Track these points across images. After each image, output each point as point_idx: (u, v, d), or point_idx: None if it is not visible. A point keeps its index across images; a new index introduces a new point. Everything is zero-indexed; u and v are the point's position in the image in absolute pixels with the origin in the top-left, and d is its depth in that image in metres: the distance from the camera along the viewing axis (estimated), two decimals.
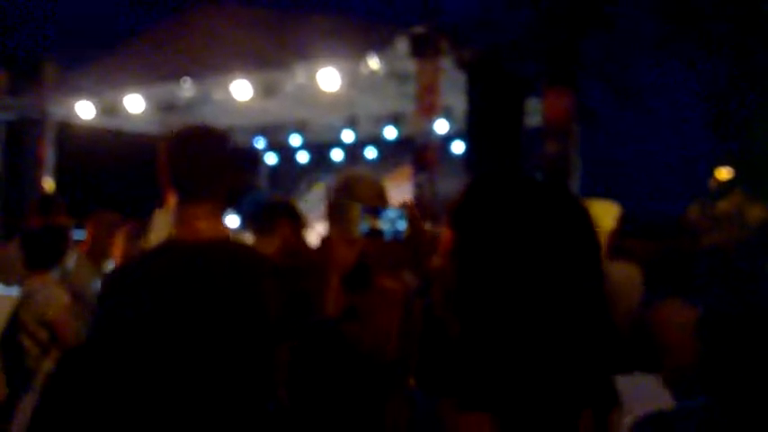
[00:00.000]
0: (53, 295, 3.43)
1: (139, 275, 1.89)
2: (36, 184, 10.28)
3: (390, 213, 1.71)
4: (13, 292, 3.64)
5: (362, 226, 1.70)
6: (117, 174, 14.98)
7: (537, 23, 7.69)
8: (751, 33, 9.20)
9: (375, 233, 1.71)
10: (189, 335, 1.83)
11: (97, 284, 3.99)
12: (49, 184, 10.32)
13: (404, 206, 1.72)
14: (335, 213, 2.41)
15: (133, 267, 1.99)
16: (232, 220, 7.36)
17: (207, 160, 1.99)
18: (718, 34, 9.26)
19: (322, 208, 9.34)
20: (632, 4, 9.08)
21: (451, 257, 1.21)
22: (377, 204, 1.78)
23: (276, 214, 3.36)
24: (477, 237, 1.18)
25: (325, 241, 2.45)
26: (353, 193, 2.33)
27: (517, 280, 1.11)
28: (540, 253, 1.12)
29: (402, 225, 1.70)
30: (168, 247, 2.00)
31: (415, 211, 1.73)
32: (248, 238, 3.81)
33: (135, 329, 1.82)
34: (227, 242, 2.01)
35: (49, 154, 10.38)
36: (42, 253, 3.58)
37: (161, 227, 3.38)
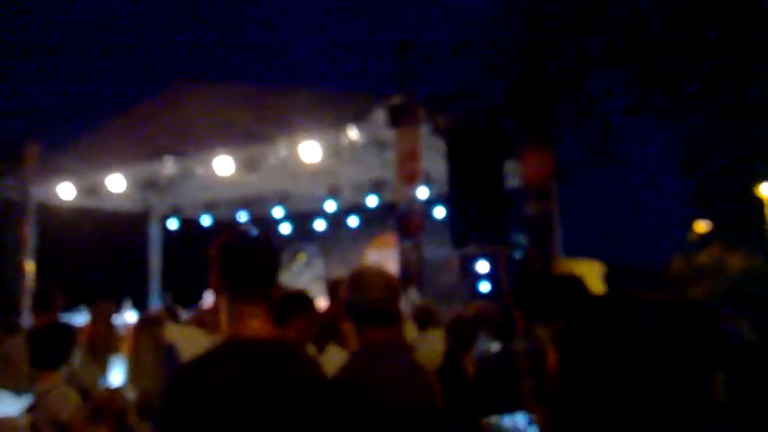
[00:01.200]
0: (66, 396, 3.27)
1: (213, 376, 1.89)
2: (18, 266, 10.18)
3: (518, 419, 1.68)
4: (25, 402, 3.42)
5: None
6: (97, 253, 14.89)
7: (512, 90, 7.88)
8: (723, 91, 9.48)
9: None
10: None
11: (104, 381, 3.88)
12: (30, 266, 10.23)
13: (531, 412, 1.71)
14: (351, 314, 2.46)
15: (202, 367, 1.95)
16: None
17: (263, 263, 2.07)
18: (689, 93, 9.54)
19: (304, 278, 9.24)
20: (604, 67, 9.36)
21: (557, 377, 1.28)
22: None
23: (290, 309, 3.44)
24: (577, 361, 1.26)
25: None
26: (365, 291, 2.40)
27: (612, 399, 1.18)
28: (630, 377, 1.19)
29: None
30: (232, 345, 2.01)
31: (544, 416, 1.71)
32: None
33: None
34: (282, 341, 2.09)
35: (30, 235, 10.32)
36: (51, 353, 3.42)
37: None
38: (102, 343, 4.26)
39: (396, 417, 2.26)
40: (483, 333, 4.62)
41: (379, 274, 2.50)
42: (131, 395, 3.53)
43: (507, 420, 1.75)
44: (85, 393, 3.45)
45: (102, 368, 4.14)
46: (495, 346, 4.21)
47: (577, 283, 2.96)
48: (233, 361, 1.93)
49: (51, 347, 3.44)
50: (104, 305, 4.60)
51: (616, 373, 1.23)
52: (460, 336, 4.25)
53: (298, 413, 1.89)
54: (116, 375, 3.73)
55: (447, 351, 4.20)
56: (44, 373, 3.37)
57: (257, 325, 1.99)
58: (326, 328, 3.81)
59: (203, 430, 1.81)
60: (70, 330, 3.62)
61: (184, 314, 6.36)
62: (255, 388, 1.87)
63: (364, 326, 2.41)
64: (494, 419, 1.77)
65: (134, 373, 3.62)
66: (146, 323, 3.99)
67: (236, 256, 2.07)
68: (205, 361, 1.96)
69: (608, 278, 4.19)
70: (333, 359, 3.51)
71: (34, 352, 3.41)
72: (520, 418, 1.72)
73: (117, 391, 3.65)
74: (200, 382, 1.87)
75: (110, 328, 4.59)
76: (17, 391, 3.68)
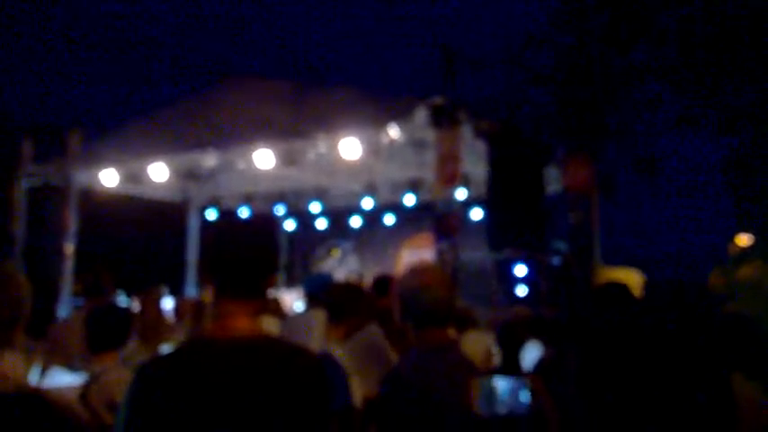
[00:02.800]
0: (122, 378, 3.17)
1: (178, 374, 1.78)
2: (58, 250, 10.37)
3: (510, 384, 1.64)
4: (80, 379, 3.39)
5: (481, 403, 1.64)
6: (136, 240, 15.11)
7: (557, 98, 7.80)
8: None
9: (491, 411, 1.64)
10: None
11: None
12: (69, 249, 10.41)
13: (528, 377, 1.66)
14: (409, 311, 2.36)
15: (168, 364, 1.84)
16: (296, 298, 7.30)
17: (250, 262, 1.93)
18: (735, 106, 9.34)
19: (338, 273, 9.25)
20: (651, 78, 9.21)
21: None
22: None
23: (347, 307, 3.46)
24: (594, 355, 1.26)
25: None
26: (425, 292, 2.31)
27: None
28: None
29: (525, 397, 1.62)
30: (202, 343, 1.91)
31: (540, 385, 1.65)
32: (319, 315, 3.85)
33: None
34: (264, 339, 1.93)
35: (71, 221, 10.50)
36: (109, 334, 3.39)
37: None
38: (153, 328, 4.28)
39: (456, 417, 2.16)
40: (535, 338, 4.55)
41: (438, 274, 2.42)
42: None
43: (500, 381, 1.66)
44: None
45: (154, 353, 4.16)
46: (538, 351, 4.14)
47: (625, 290, 2.92)
48: (201, 357, 1.82)
49: (110, 329, 3.41)
50: (154, 290, 4.63)
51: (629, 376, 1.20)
52: (515, 338, 4.19)
53: (257, 419, 1.77)
54: None
55: (503, 353, 4.14)
56: (99, 355, 3.34)
57: (241, 324, 1.87)
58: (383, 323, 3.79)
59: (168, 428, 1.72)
60: (128, 313, 3.62)
61: None
62: (224, 382, 1.77)
63: (423, 327, 2.33)
64: (485, 380, 1.69)
65: None
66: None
67: (223, 249, 1.92)
68: (173, 358, 1.87)
69: (647, 289, 4.13)
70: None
71: (92, 333, 3.37)
72: (513, 381, 1.64)
73: None
74: (164, 379, 1.77)
75: (160, 313, 4.63)
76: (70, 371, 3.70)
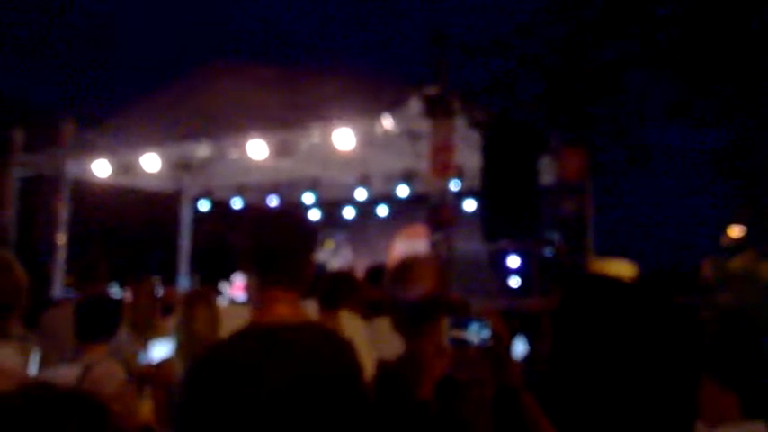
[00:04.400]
0: (111, 371, 3.20)
1: (235, 362, 1.80)
2: (50, 240, 10.33)
3: (476, 325, 1.82)
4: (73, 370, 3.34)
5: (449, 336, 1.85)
6: (128, 230, 15.07)
7: (550, 87, 7.79)
8: (763, 96, 9.30)
9: (461, 343, 1.84)
10: (296, 424, 1.78)
11: (144, 357, 3.87)
12: (61, 239, 10.38)
13: (488, 316, 1.82)
14: (397, 306, 2.31)
15: (223, 353, 1.86)
16: None
17: (295, 249, 1.96)
18: (728, 95, 9.37)
19: (331, 264, 9.24)
20: (644, 67, 9.22)
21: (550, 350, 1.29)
22: (436, 292, 1.99)
23: (341, 294, 3.47)
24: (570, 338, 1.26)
25: (415, 353, 2.25)
26: (410, 282, 2.27)
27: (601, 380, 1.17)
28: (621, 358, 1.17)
29: (486, 334, 1.82)
30: (256, 331, 1.91)
31: (499, 322, 1.81)
32: (311, 305, 3.84)
33: (235, 421, 1.73)
34: (311, 325, 1.99)
35: (63, 211, 10.46)
36: (98, 325, 3.35)
37: None
38: (145, 319, 4.26)
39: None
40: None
41: (430, 265, 2.39)
42: (180, 366, 3.50)
43: (464, 331, 1.84)
44: (128, 368, 3.43)
45: (144, 344, 4.15)
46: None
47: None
48: (256, 345, 1.85)
49: (99, 319, 3.38)
50: (147, 281, 4.61)
51: (607, 354, 1.21)
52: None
53: (319, 401, 1.83)
54: (159, 350, 3.70)
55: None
56: (88, 345, 3.32)
57: (286, 311, 1.91)
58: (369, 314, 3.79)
59: (231, 419, 1.74)
60: (118, 303, 3.59)
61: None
62: (281, 368, 1.81)
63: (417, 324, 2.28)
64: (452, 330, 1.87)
65: (186, 344, 3.59)
66: (200, 294, 3.95)
67: (268, 238, 1.96)
68: (228, 347, 1.89)
69: (639, 279, 4.14)
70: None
71: (81, 323, 3.34)
72: (473, 326, 1.81)
73: (167, 361, 3.59)
74: (220, 369, 1.80)
75: (152, 304, 4.61)
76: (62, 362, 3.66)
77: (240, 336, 1.92)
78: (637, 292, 1.25)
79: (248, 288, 2.00)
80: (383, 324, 3.50)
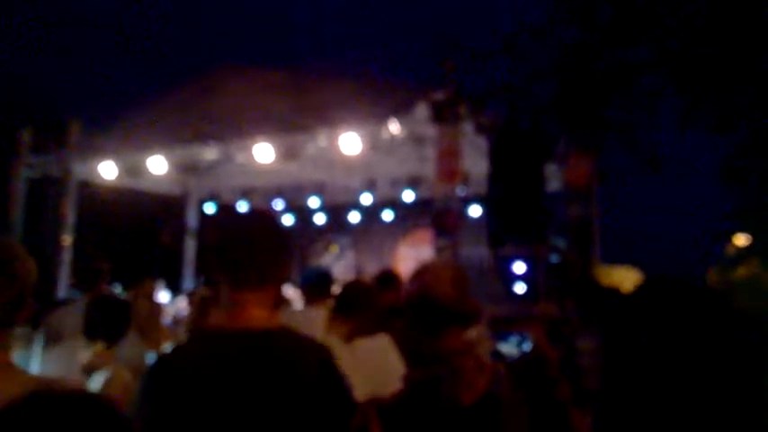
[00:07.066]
0: (116, 374, 3.16)
1: (196, 367, 1.74)
2: (56, 241, 10.36)
3: (515, 338, 1.78)
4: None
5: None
6: (134, 232, 15.10)
7: (559, 92, 7.77)
8: None
9: (500, 356, 1.75)
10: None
11: (150, 358, 3.83)
12: (67, 240, 10.40)
13: (531, 330, 1.77)
14: (419, 320, 2.22)
15: (184, 357, 1.80)
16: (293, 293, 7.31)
17: (266, 248, 1.88)
18: (738, 105, 9.33)
19: (336, 269, 9.16)
20: (654, 74, 9.19)
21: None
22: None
23: (355, 304, 3.49)
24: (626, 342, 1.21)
25: (457, 369, 2.13)
26: (433, 297, 2.20)
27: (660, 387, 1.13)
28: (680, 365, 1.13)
29: (527, 347, 1.76)
30: (220, 335, 1.85)
31: (542, 336, 1.75)
32: (320, 310, 3.83)
33: (191, 426, 1.68)
34: (280, 330, 1.89)
35: (69, 212, 10.49)
36: (107, 324, 3.32)
37: None
38: (147, 322, 4.25)
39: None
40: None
41: (452, 270, 2.32)
42: None
43: (503, 346, 1.79)
44: (135, 372, 3.41)
45: (147, 345, 4.14)
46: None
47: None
48: (217, 349, 1.78)
49: (109, 319, 3.36)
50: (148, 282, 4.60)
51: (665, 368, 1.16)
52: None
53: (281, 407, 1.75)
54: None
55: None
56: (96, 345, 3.28)
57: (256, 314, 1.82)
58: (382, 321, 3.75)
59: (185, 424, 1.68)
60: (127, 305, 3.57)
61: None
62: (240, 375, 1.74)
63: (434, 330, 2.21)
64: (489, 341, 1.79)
65: None
66: (213, 298, 3.94)
67: (236, 239, 1.87)
68: (189, 350, 1.84)
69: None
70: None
71: (90, 322, 3.31)
72: (512, 339, 1.77)
73: None
74: (180, 373, 1.73)
75: (152, 307, 4.61)
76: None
77: (193, 340, 1.89)
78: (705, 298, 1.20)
79: (218, 291, 1.89)
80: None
